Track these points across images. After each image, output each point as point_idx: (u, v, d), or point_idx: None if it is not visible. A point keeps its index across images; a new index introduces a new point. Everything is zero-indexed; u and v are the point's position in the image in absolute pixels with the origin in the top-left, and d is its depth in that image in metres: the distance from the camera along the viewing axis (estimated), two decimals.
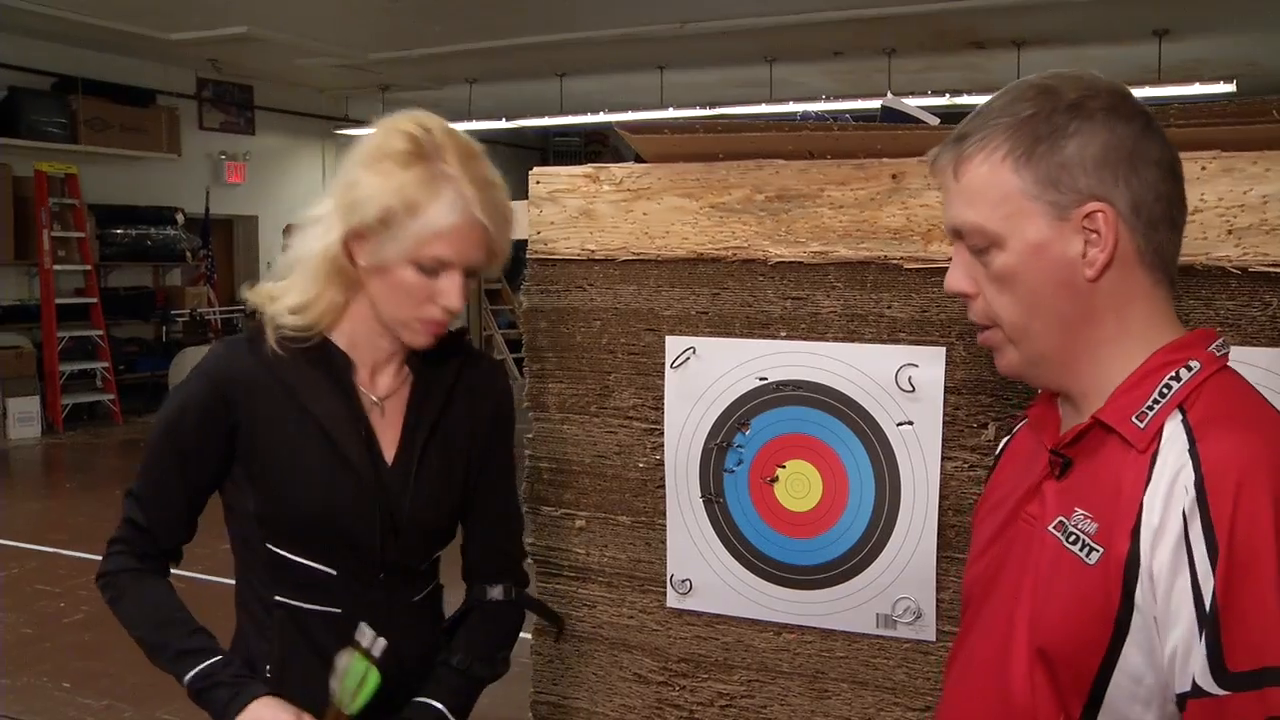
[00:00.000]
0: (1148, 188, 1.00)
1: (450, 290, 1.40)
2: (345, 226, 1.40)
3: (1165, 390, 0.99)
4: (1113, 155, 0.99)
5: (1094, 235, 1.00)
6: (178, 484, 1.47)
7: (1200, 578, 0.91)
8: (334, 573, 1.46)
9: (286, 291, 1.45)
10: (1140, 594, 0.95)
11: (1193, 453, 0.94)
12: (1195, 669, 0.90)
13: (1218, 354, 1.02)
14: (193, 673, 1.41)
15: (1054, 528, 1.03)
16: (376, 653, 1.41)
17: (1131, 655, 0.96)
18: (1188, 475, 0.93)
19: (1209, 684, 0.89)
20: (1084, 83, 1.02)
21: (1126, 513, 0.96)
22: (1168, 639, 0.93)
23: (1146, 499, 0.95)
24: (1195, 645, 0.91)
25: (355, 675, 1.40)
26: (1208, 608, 0.90)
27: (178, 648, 1.43)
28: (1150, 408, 0.99)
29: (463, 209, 1.37)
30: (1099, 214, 0.99)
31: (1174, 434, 0.97)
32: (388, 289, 1.41)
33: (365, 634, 1.42)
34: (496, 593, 1.60)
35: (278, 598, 1.47)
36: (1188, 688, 0.91)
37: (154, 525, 1.48)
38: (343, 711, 1.40)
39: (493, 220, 1.40)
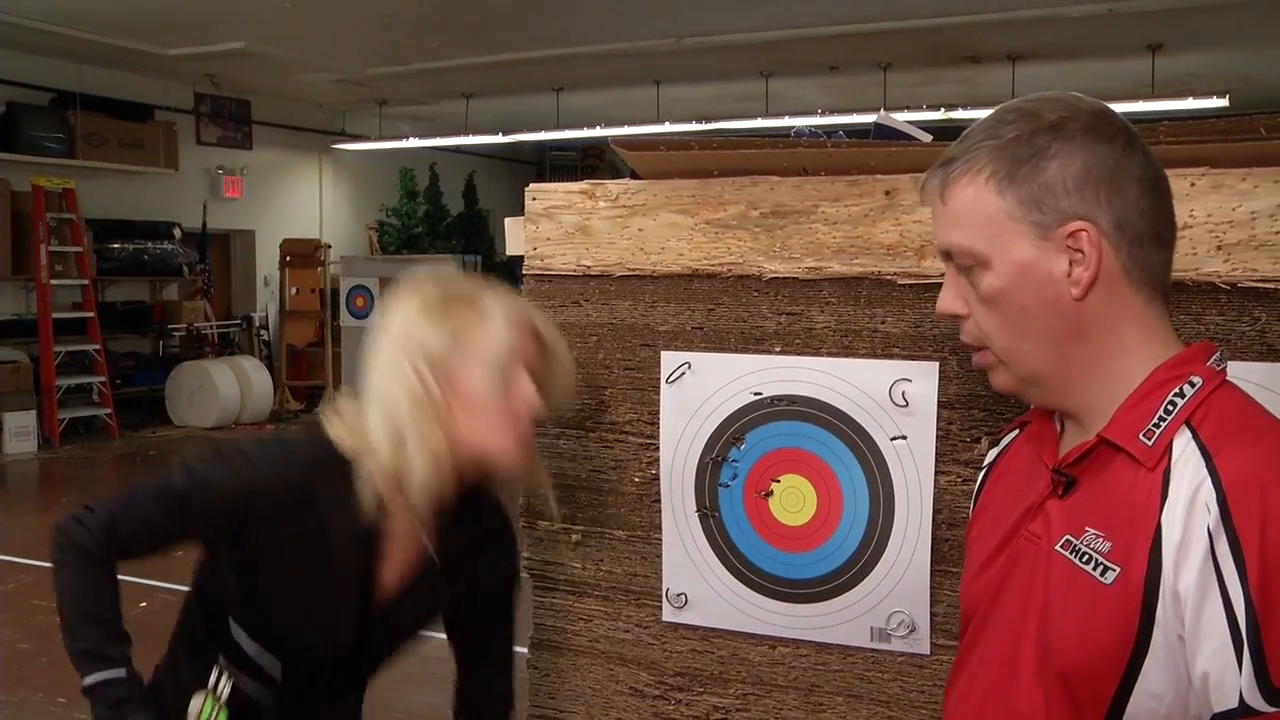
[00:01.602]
0: (1130, 205, 1.00)
1: (528, 393, 1.48)
2: (428, 371, 1.45)
3: (1170, 407, 0.99)
4: (1093, 174, 1.00)
5: (1078, 254, 1.00)
6: (166, 531, 1.47)
7: (1232, 596, 0.91)
8: (280, 666, 1.52)
9: (379, 434, 1.46)
10: (1162, 612, 0.95)
11: (1210, 469, 0.94)
12: (1243, 687, 0.90)
13: (1217, 368, 1.02)
14: (91, 678, 1.42)
15: (1062, 547, 1.03)
16: (223, 694, 1.47)
17: (1152, 673, 0.96)
18: (1208, 492, 0.93)
19: (1257, 701, 0.89)
20: (1064, 104, 1.03)
21: (1143, 531, 0.96)
22: (1197, 659, 0.93)
23: (1165, 517, 0.95)
24: (1232, 664, 0.90)
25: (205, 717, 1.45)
26: (1242, 625, 0.90)
27: (87, 647, 1.43)
28: (1157, 425, 0.99)
29: (519, 323, 1.49)
30: (1082, 233, 1.00)
31: (1186, 451, 0.97)
32: (474, 418, 1.46)
33: (216, 676, 1.47)
34: None
35: (222, 658, 1.51)
36: (1228, 706, 0.91)
37: (128, 542, 1.47)
38: None
39: (544, 325, 1.52)
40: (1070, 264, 1.01)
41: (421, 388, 1.44)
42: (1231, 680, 0.90)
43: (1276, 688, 0.89)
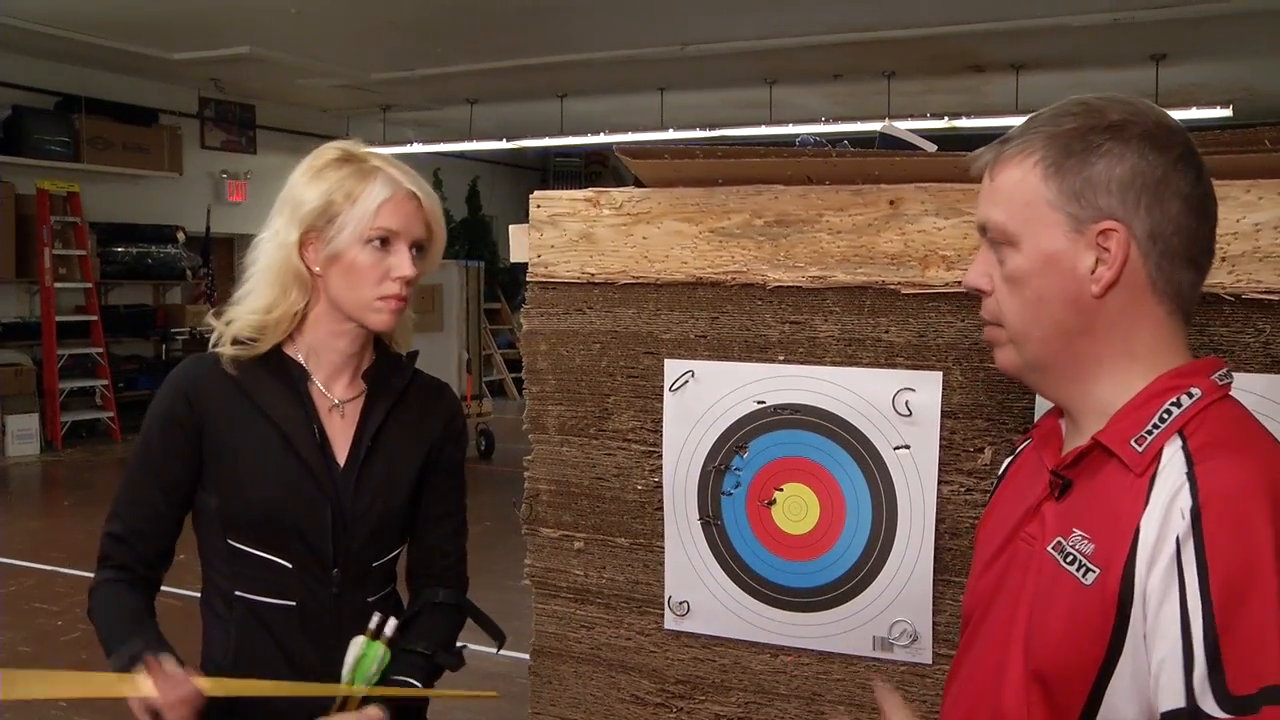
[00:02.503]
0: (1168, 220, 1.01)
1: (401, 262, 1.54)
2: (297, 231, 1.54)
3: (1165, 415, 1.00)
4: (1139, 180, 1.00)
5: (1105, 253, 1.01)
6: (152, 490, 1.57)
7: (1189, 600, 0.92)
8: (289, 566, 1.56)
9: (247, 297, 1.57)
10: (1136, 616, 0.96)
11: (1190, 477, 0.95)
12: (1196, 690, 0.90)
13: (1220, 382, 1.03)
14: (113, 660, 1.48)
15: (1052, 548, 1.04)
16: (387, 632, 1.54)
17: (1124, 675, 0.97)
18: (1185, 500, 0.94)
19: (1212, 708, 0.89)
20: (1131, 108, 1.03)
21: (1124, 535, 0.97)
22: (1152, 657, 0.94)
23: (1143, 522, 0.96)
24: (1179, 666, 0.91)
25: (357, 658, 1.53)
26: (1196, 631, 0.91)
27: (112, 650, 1.50)
28: (1149, 432, 1.00)
29: (394, 184, 1.55)
30: (1113, 233, 1.01)
31: (1172, 459, 0.98)
32: (345, 276, 1.54)
33: (374, 619, 1.55)
34: (445, 595, 1.69)
35: (237, 593, 1.57)
36: (1174, 706, 0.91)
37: (130, 534, 1.57)
38: (352, 692, 1.52)
39: (423, 192, 1.58)
40: (1096, 262, 1.02)
41: (287, 247, 1.54)
42: (1178, 682, 0.91)
43: (1234, 696, 0.89)
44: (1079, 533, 1.02)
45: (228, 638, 1.57)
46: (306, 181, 1.56)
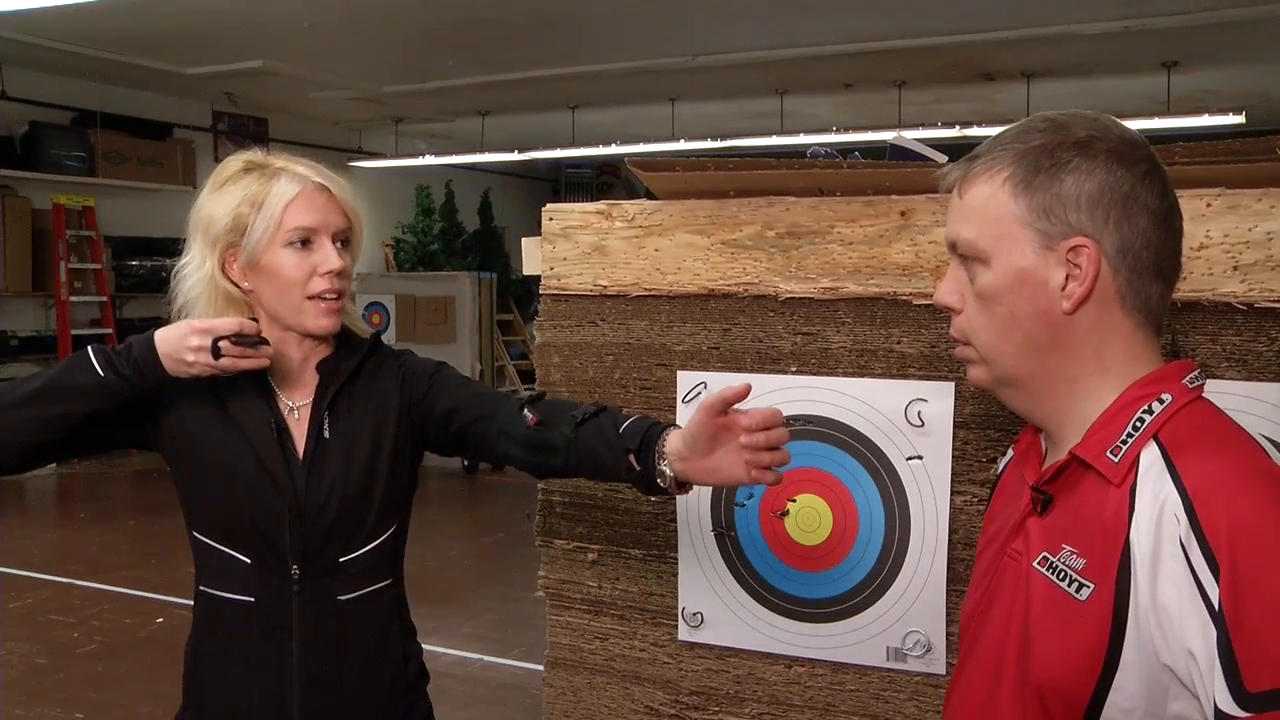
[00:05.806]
0: (1137, 234, 1.02)
1: (327, 256, 1.52)
2: (214, 252, 1.53)
3: (1139, 423, 1.01)
4: (1107, 196, 1.01)
5: (1076, 269, 1.02)
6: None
7: (1214, 603, 0.91)
8: (248, 561, 1.53)
9: None
10: (1134, 627, 0.95)
11: (1175, 480, 0.95)
12: (1216, 695, 0.89)
13: (1191, 385, 1.03)
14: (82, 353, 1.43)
15: (1039, 564, 1.05)
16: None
17: (1123, 687, 0.97)
18: (1175, 503, 0.94)
19: (1230, 707, 0.89)
20: (1097, 124, 1.04)
21: (1113, 547, 0.98)
22: (1196, 672, 0.92)
23: (1133, 532, 0.96)
24: (1220, 669, 0.90)
25: None
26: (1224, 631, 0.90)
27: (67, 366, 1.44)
28: (1124, 441, 1.00)
29: (300, 179, 1.52)
30: (1083, 249, 1.02)
31: (1151, 464, 0.98)
32: (272, 283, 1.52)
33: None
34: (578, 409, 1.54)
35: (201, 587, 1.57)
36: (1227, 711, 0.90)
37: None
38: None
39: (333, 184, 1.55)
40: (1067, 278, 1.03)
41: (209, 271, 1.53)
42: (1215, 685, 0.90)
43: (1250, 692, 0.88)
44: (1068, 548, 1.02)
45: (192, 631, 1.59)
46: (213, 199, 1.54)
